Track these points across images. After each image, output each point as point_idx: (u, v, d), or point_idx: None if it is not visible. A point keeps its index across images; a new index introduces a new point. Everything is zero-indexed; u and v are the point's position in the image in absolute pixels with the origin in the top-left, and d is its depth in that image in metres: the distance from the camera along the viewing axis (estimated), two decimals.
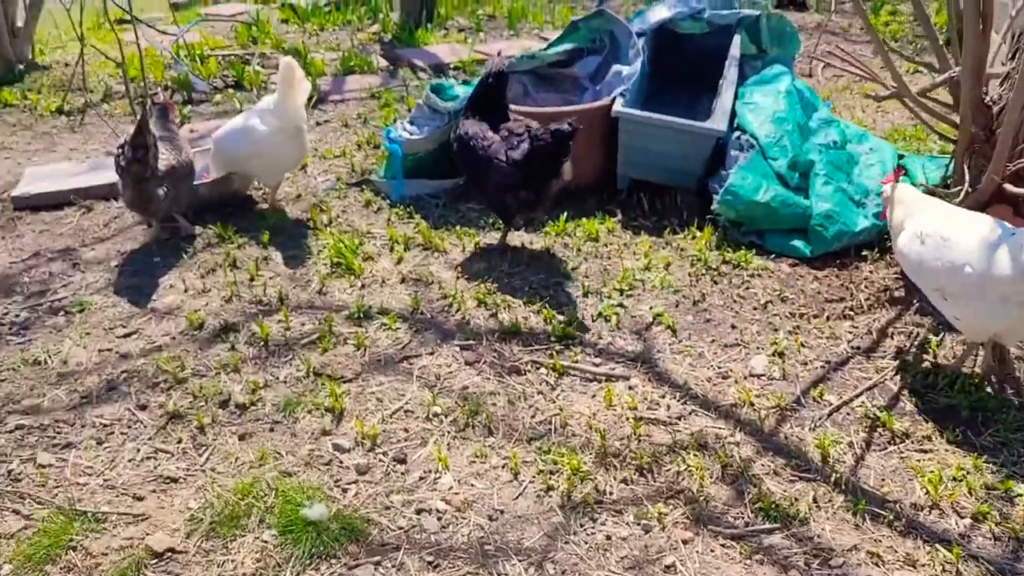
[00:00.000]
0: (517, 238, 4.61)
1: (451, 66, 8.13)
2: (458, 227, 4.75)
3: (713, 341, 3.69)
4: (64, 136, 6.73)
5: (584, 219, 4.69)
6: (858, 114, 6.32)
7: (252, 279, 4.38)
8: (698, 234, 4.48)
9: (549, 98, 5.33)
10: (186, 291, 4.32)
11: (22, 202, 5.41)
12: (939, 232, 3.15)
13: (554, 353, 3.65)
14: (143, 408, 3.51)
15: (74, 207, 5.40)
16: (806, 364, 3.50)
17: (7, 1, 8.23)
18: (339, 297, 4.18)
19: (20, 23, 8.49)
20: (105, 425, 3.44)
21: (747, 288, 4.03)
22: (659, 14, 5.55)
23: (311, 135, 6.22)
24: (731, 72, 5.07)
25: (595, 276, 4.21)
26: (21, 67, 8.34)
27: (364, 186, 5.35)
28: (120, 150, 4.40)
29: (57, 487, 3.10)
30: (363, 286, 4.26)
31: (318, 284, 4.30)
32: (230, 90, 7.56)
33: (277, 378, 3.62)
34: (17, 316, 4.24)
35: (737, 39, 5.52)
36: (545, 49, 5.36)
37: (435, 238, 4.61)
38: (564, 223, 4.64)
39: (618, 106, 4.71)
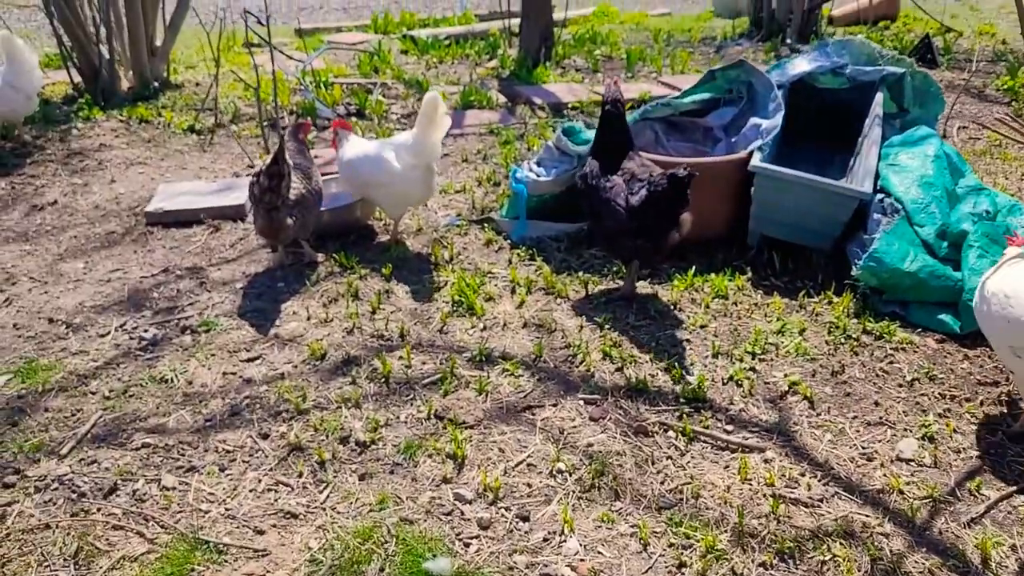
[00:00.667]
0: (643, 288, 4.48)
1: (569, 105, 8.10)
2: (581, 272, 4.65)
3: (855, 418, 3.47)
4: (194, 155, 6.92)
5: (713, 274, 4.54)
6: (1001, 180, 6.00)
7: (374, 312, 4.36)
8: (835, 299, 4.27)
9: (681, 147, 5.21)
10: (309, 319, 4.33)
11: (155, 218, 5.55)
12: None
13: (683, 415, 3.50)
14: (265, 437, 3.50)
15: (203, 226, 5.52)
16: (959, 452, 3.25)
17: (148, 23, 8.59)
18: (460, 337, 4.12)
19: (159, 42, 8.85)
20: (228, 451, 3.43)
21: (891, 363, 3.80)
22: (799, 67, 5.39)
23: None
24: (874, 131, 4.87)
25: (725, 336, 4.05)
26: (156, 84, 8.68)
27: (485, 224, 5.31)
28: (255, 178, 4.46)
29: (180, 512, 3.09)
30: (485, 328, 4.19)
31: (439, 322, 4.25)
32: (353, 118, 7.68)
33: (398, 417, 3.56)
34: (146, 332, 4.31)
35: (880, 97, 5.31)
36: (680, 97, 5.25)
37: (558, 283, 4.53)
38: (692, 277, 4.49)
39: (756, 160, 4.56)
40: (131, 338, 4.30)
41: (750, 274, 4.58)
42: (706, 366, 3.83)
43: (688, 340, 4.01)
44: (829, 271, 4.55)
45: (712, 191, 4.71)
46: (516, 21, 10.67)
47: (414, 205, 5.28)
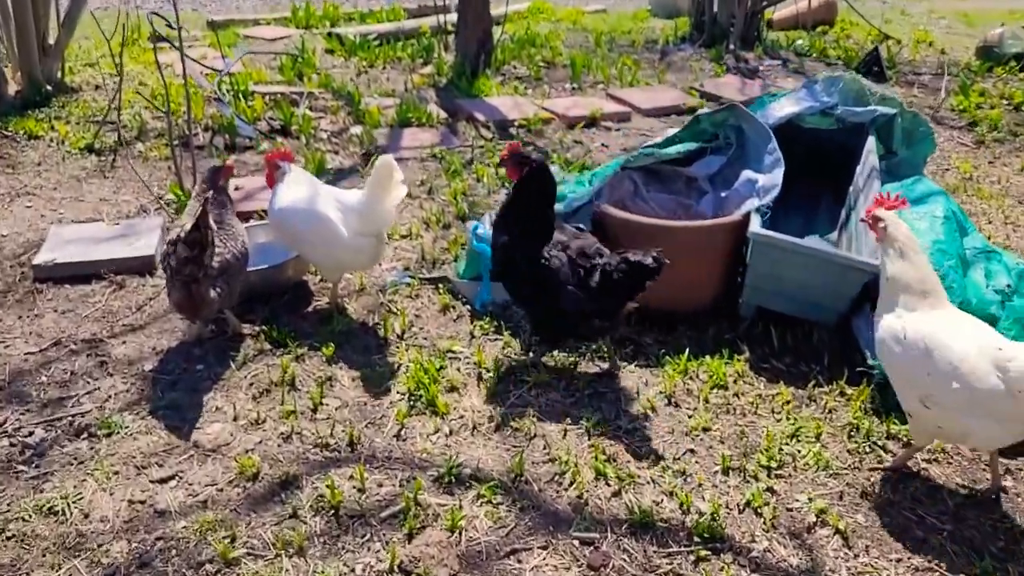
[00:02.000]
0: (634, 377, 3.88)
1: (516, 123, 7.45)
2: (556, 353, 4.02)
3: (899, 560, 2.95)
4: (94, 182, 6.03)
5: (708, 357, 3.97)
6: (984, 225, 5.61)
7: (315, 409, 3.65)
8: (848, 390, 3.75)
9: (662, 199, 4.62)
10: (235, 418, 3.60)
11: (44, 272, 4.70)
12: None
13: (699, 560, 2.91)
14: None
15: (103, 282, 4.68)
16: None
17: (40, 17, 7.56)
18: (422, 446, 3.45)
19: (52, 39, 7.82)
20: None
21: (926, 481, 3.29)
22: (785, 108, 4.85)
23: None
24: (875, 186, 4.36)
25: (732, 441, 3.48)
26: (49, 88, 7.67)
27: (439, 285, 4.62)
28: (172, 247, 3.68)
29: None
30: (450, 432, 3.53)
31: (395, 424, 3.57)
32: (277, 138, 6.86)
33: (353, 571, 2.88)
34: (31, 435, 3.53)
35: (872, 143, 4.83)
36: (663, 145, 4.65)
37: (529, 368, 3.89)
38: (686, 362, 3.90)
39: (755, 226, 4.00)
40: (11, 443, 3.50)
41: (747, 354, 4.03)
42: (716, 486, 3.25)
43: (692, 450, 3.43)
44: (834, 349, 4.03)
45: (702, 256, 4.15)
46: (451, 17, 9.92)
47: (356, 271, 4.56)
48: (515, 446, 3.45)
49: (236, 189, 5.77)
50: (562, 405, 3.69)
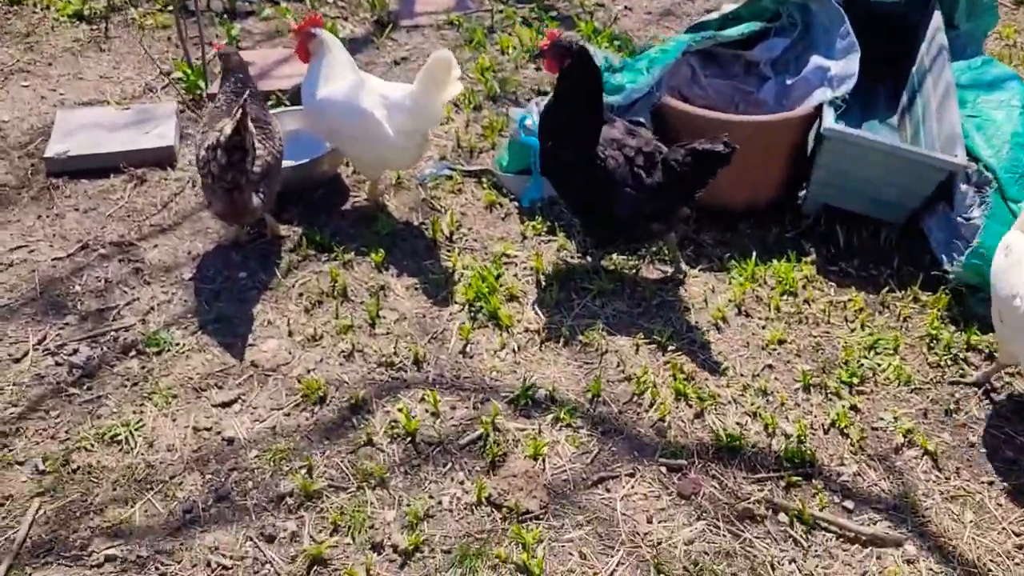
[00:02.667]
0: (699, 283, 3.73)
1: None
2: (615, 255, 3.84)
3: (991, 483, 2.92)
4: (90, 56, 5.57)
5: (775, 261, 3.81)
6: None
7: (373, 323, 3.49)
8: (922, 296, 3.63)
9: (719, 86, 4.32)
10: (291, 334, 3.44)
11: (57, 165, 4.38)
12: None
13: (790, 487, 2.86)
14: (271, 540, 2.70)
15: (122, 175, 4.38)
16: None
17: None
18: (490, 364, 3.32)
19: None
20: (224, 567, 2.63)
21: (1012, 396, 3.22)
22: None
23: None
24: (945, 72, 4.08)
25: (808, 355, 3.38)
26: None
27: (481, 178, 4.37)
28: (212, 153, 3.40)
29: None
30: (517, 348, 3.39)
31: (460, 339, 3.42)
32: (279, 2, 6.34)
33: (440, 503, 2.81)
34: (75, 353, 3.35)
35: (938, 17, 4.50)
36: (721, 26, 4.30)
37: (590, 273, 3.72)
38: (753, 266, 3.75)
39: (829, 121, 3.75)
40: (57, 363, 3.34)
41: (813, 255, 3.87)
42: (799, 405, 3.18)
43: (770, 365, 3.33)
44: (904, 251, 3.89)
45: (767, 152, 3.92)
46: None
47: (398, 170, 4.28)
48: (587, 363, 3.33)
49: (251, 65, 5.36)
50: (629, 316, 3.55)
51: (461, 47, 5.78)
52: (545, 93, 5.17)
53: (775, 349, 3.40)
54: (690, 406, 3.15)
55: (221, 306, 3.58)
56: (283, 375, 3.27)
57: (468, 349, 3.38)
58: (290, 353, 3.35)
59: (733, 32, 4.17)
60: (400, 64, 5.58)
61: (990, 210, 3.61)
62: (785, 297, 3.65)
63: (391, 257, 3.83)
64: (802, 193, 4.11)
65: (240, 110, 3.32)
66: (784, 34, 4.27)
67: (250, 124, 3.41)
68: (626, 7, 6.67)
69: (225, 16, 6.09)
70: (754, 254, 3.80)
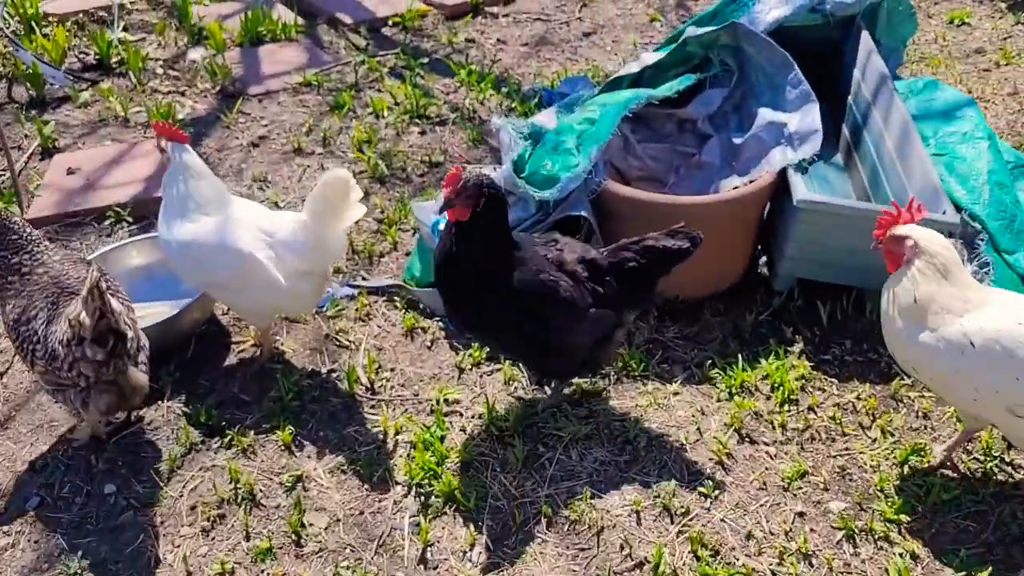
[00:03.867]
0: (684, 404, 3.10)
1: (388, 21, 6.17)
2: (576, 381, 3.17)
3: None
4: None
5: (761, 360, 3.23)
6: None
7: (298, 538, 2.67)
8: None
9: (655, 150, 3.70)
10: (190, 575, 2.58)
11: None
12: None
13: None
14: None
15: None
16: None
17: None
18: (461, 572, 2.57)
19: None
20: None
21: None
22: (773, 11, 3.92)
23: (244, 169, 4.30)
24: (896, 105, 3.60)
25: (836, 486, 2.82)
26: None
27: (391, 295, 3.60)
28: (72, 350, 2.51)
29: None
30: (493, 541, 2.66)
31: (414, 543, 2.66)
32: (98, 80, 5.32)
33: None
34: None
35: (867, 39, 4.05)
36: (646, 81, 3.66)
37: (555, 414, 3.03)
38: (741, 371, 3.15)
39: (801, 191, 3.20)
40: None
41: (800, 344, 3.31)
42: (848, 564, 2.59)
43: (801, 513, 2.73)
44: None
45: (733, 230, 3.34)
46: None
47: (291, 315, 3.46)
48: (582, 549, 2.64)
49: (71, 172, 4.39)
50: (616, 467, 2.89)
51: (326, 114, 4.98)
52: (437, 164, 4.44)
53: (799, 487, 2.80)
54: None
55: (86, 544, 2.68)
56: None
57: (429, 555, 2.63)
58: None
59: (667, 90, 3.54)
60: (259, 145, 4.72)
61: (994, 271, 3.15)
62: (787, 409, 3.07)
63: (302, 430, 3.02)
64: (763, 263, 3.57)
65: (92, 286, 2.43)
66: (719, 83, 3.68)
67: (110, 301, 2.52)
68: (498, 40, 6.02)
69: (31, 108, 5.03)
70: (740, 359, 3.19)
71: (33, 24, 5.80)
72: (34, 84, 5.12)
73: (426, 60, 5.52)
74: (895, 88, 3.75)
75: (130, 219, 4.07)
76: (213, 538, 2.69)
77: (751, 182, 3.34)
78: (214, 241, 2.93)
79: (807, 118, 3.34)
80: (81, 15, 6.09)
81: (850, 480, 2.83)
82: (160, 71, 5.50)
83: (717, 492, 2.78)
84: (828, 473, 2.85)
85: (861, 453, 2.92)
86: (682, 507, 2.73)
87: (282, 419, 3.02)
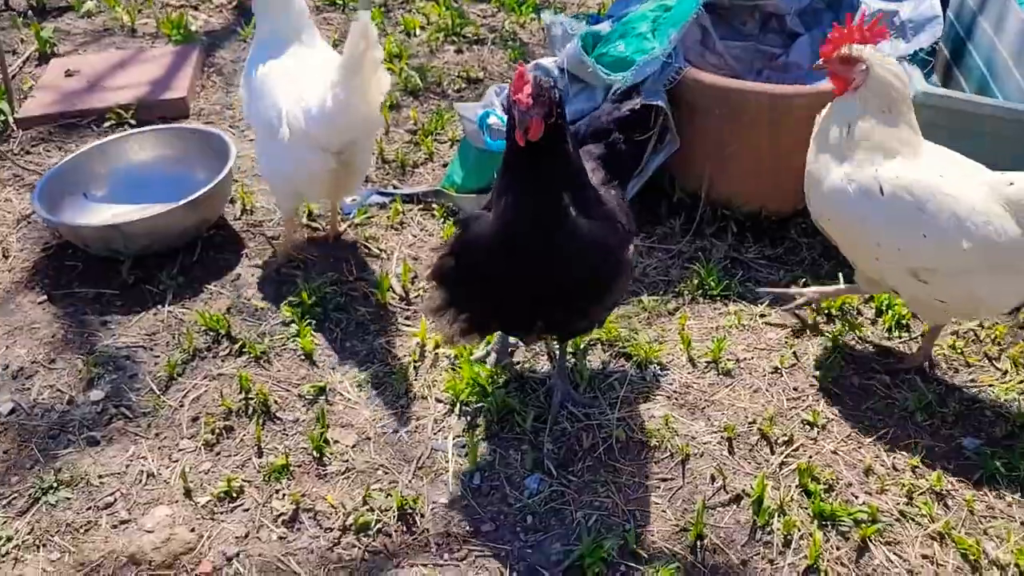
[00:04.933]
0: (774, 331, 2.62)
1: None
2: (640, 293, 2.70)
3: None
4: None
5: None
6: None
7: (320, 455, 2.21)
8: None
9: (736, 49, 3.22)
10: (189, 493, 2.14)
11: None
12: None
13: None
14: None
15: None
16: None
17: None
18: (523, 501, 2.10)
19: None
20: None
21: None
22: None
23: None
24: (1012, 9, 3.11)
25: (967, 421, 2.34)
26: None
27: (429, 201, 3.14)
28: None
29: None
30: (555, 467, 2.19)
31: (462, 464, 2.19)
32: None
33: None
34: None
35: None
36: None
37: (622, 334, 2.56)
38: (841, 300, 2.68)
39: (919, 82, 2.71)
40: None
41: None
42: (992, 509, 2.11)
43: (930, 448, 2.25)
44: None
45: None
46: None
47: (316, 202, 3.01)
48: (664, 479, 2.17)
49: (69, 75, 3.94)
50: (699, 390, 2.41)
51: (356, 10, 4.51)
52: (476, 81, 3.97)
53: (924, 419, 2.32)
54: (845, 536, 2.02)
55: (64, 455, 2.22)
56: (187, 573, 1.95)
57: (477, 480, 2.16)
58: (193, 530, 2.04)
59: None
60: None
61: None
62: (897, 334, 2.59)
63: (326, 338, 2.55)
64: None
65: None
66: None
67: None
68: None
69: (30, 15, 4.58)
70: (840, 279, 2.71)
71: None
72: None
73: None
74: None
75: (133, 121, 3.62)
76: (218, 453, 2.23)
77: None
78: (253, 83, 2.67)
79: (923, 4, 2.87)
80: None
81: (982, 416, 2.35)
82: None
83: (825, 421, 2.30)
84: (956, 405, 2.37)
85: (990, 386, 2.44)
86: (784, 435, 2.25)
87: (302, 324, 2.54)
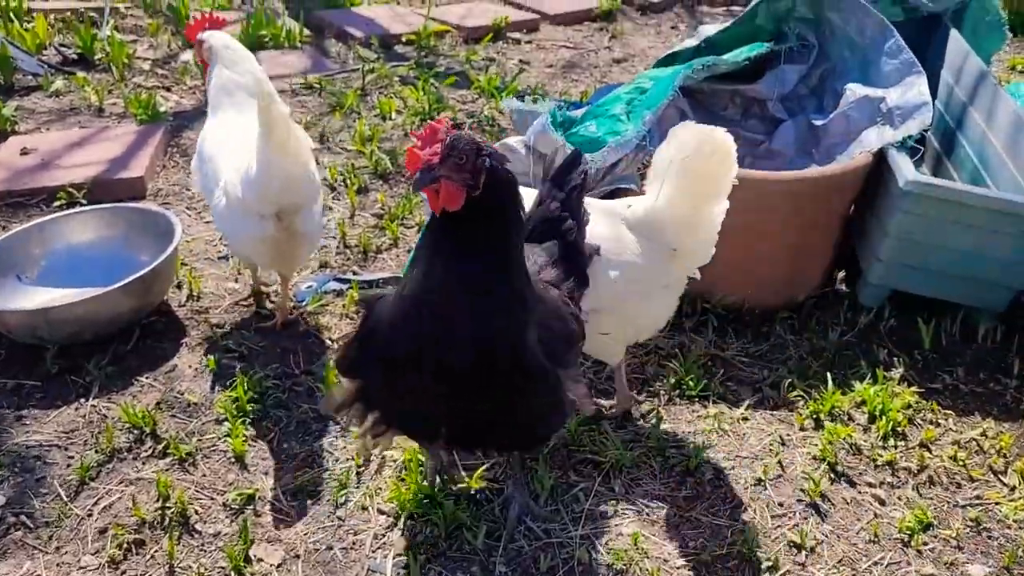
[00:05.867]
0: (758, 428, 2.39)
1: (401, 38, 5.66)
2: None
3: None
4: None
5: (854, 383, 2.53)
6: None
7: None
8: None
9: None
10: None
11: None
12: None
13: None
14: None
15: None
16: None
17: None
18: None
19: None
20: None
21: None
22: None
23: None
24: (1002, 99, 2.99)
25: (973, 544, 2.09)
26: None
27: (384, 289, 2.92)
28: None
29: None
30: None
31: None
32: (76, 72, 4.77)
33: None
34: None
35: (958, 37, 3.46)
36: (714, 51, 3.07)
37: (590, 441, 2.32)
38: (832, 395, 2.45)
39: (908, 171, 2.56)
40: None
41: (902, 369, 2.62)
42: None
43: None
44: (1018, 349, 2.69)
45: (815, 219, 2.69)
46: None
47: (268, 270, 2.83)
48: None
49: (24, 153, 3.77)
50: (673, 504, 2.16)
51: (327, 114, 4.39)
52: None
53: (923, 542, 2.06)
54: None
55: None
56: None
57: None
58: None
59: (735, 56, 2.94)
60: None
61: None
62: (894, 443, 2.35)
63: (261, 440, 2.30)
64: (841, 279, 2.91)
65: None
66: (794, 60, 3.09)
67: None
68: (521, 60, 5.49)
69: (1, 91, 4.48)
70: (829, 379, 2.49)
71: (13, 15, 5.29)
72: (3, 71, 4.56)
73: (441, 70, 4.98)
74: (996, 82, 3.15)
75: (84, 201, 3.43)
76: (123, 572, 1.95)
77: None
78: (199, 145, 2.73)
79: (911, 91, 2.73)
80: (68, 13, 5.60)
81: (989, 537, 2.10)
82: (147, 68, 4.95)
83: (814, 542, 2.04)
84: (957, 525, 2.11)
85: (997, 504, 2.19)
86: (768, 560, 1.99)
87: (236, 422, 2.30)
